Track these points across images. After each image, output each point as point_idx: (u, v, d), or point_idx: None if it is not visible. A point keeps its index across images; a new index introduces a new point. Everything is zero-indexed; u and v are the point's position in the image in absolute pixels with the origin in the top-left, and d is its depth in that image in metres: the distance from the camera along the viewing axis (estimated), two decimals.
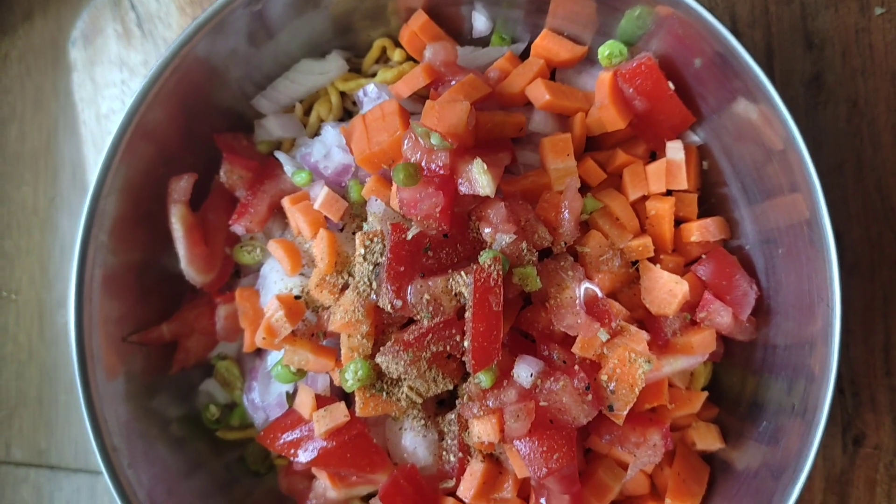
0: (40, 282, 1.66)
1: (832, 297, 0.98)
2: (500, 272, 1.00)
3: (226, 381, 1.27)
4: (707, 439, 1.13)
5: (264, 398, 1.24)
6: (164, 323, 1.23)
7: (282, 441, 1.15)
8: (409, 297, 1.02)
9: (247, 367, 1.27)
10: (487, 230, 1.04)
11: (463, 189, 1.02)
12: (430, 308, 1.01)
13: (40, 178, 1.68)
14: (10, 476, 1.65)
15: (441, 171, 1.02)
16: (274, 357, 1.22)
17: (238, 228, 1.19)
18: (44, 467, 1.65)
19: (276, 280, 1.19)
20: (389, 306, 1.03)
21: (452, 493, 1.13)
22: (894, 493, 1.23)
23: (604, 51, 1.13)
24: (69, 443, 1.63)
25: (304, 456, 1.13)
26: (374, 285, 1.06)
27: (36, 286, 1.66)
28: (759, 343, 1.12)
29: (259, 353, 1.25)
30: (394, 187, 1.07)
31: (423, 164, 1.03)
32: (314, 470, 1.18)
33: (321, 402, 1.11)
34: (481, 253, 1.02)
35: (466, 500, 1.09)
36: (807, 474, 0.97)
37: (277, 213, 1.22)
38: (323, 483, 1.18)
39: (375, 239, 1.07)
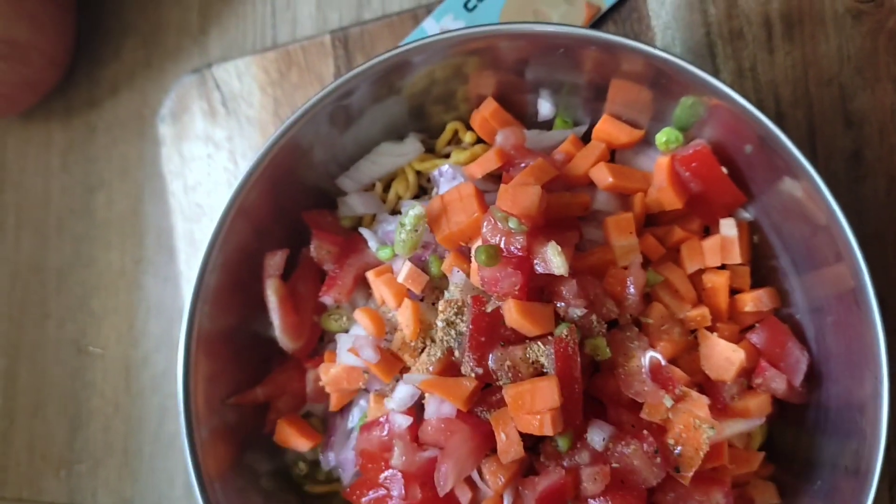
0: (126, 339, 1.77)
1: (879, 359, 1.06)
2: (576, 341, 1.10)
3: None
4: (765, 496, 1.20)
5: (339, 455, 1.34)
6: (258, 386, 1.34)
7: (368, 498, 1.24)
8: (490, 364, 1.12)
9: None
10: (561, 304, 1.14)
11: (539, 269, 1.13)
12: (510, 374, 1.12)
13: (127, 241, 1.80)
14: None
15: (519, 253, 1.13)
16: (356, 416, 1.33)
17: (327, 299, 1.30)
18: None
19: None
20: (471, 372, 1.13)
21: None
22: None
23: (661, 137, 1.23)
24: (153, 492, 1.73)
25: None
26: (457, 352, 1.16)
27: (122, 343, 1.77)
28: (811, 405, 1.20)
29: (342, 412, 1.36)
30: (473, 264, 1.17)
31: (501, 245, 1.14)
32: None
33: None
34: (558, 325, 1.12)
35: None
36: None
37: (361, 284, 1.33)
38: None
39: (457, 307, 1.17)
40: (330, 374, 1.27)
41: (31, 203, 1.85)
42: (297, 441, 1.30)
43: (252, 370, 1.37)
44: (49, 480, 1.77)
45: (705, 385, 1.19)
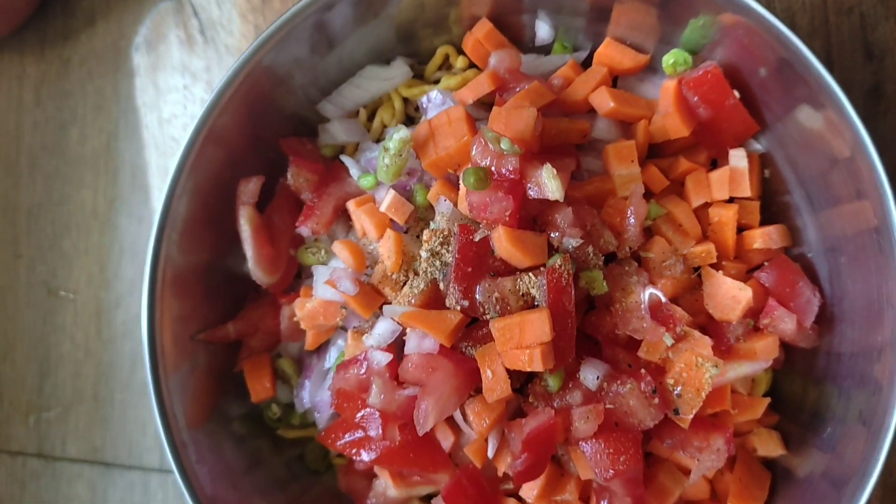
0: (98, 281, 1.69)
1: None
2: (570, 272, 1.02)
3: (284, 378, 1.29)
4: (768, 445, 1.13)
5: (314, 396, 1.26)
6: (230, 322, 1.26)
7: (343, 441, 1.17)
8: (477, 296, 1.04)
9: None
10: (555, 234, 1.06)
11: (532, 193, 1.04)
12: (498, 307, 1.03)
13: (100, 180, 1.71)
14: (66, 472, 1.68)
15: (511, 176, 1.04)
16: (333, 356, 1.25)
17: (304, 230, 1.22)
18: (98, 464, 1.68)
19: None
20: (456, 305, 1.05)
21: (514, 493, 1.15)
22: None
23: (668, 59, 1.14)
24: (123, 440, 1.66)
25: (366, 455, 1.15)
26: (442, 284, 1.08)
27: (94, 286, 1.69)
28: (821, 351, 1.13)
29: (318, 352, 1.28)
30: (462, 191, 1.09)
31: (492, 168, 1.05)
32: (376, 469, 1.20)
33: None
34: (551, 257, 1.04)
35: (529, 502, 1.10)
36: (874, 484, 0.97)
37: (341, 215, 1.24)
38: (384, 482, 1.20)
39: (443, 236, 1.09)
40: (305, 309, 1.18)
41: (2, 139, 1.76)
42: (258, 386, 1.23)
43: (225, 310, 1.29)
44: (17, 427, 1.70)
45: (708, 327, 1.11)
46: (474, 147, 1.07)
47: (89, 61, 1.74)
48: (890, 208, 0.98)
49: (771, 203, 1.19)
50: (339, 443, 1.17)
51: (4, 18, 1.67)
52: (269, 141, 1.28)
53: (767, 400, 1.13)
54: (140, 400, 1.64)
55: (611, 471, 1.01)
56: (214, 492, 1.16)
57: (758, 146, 1.17)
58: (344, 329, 1.22)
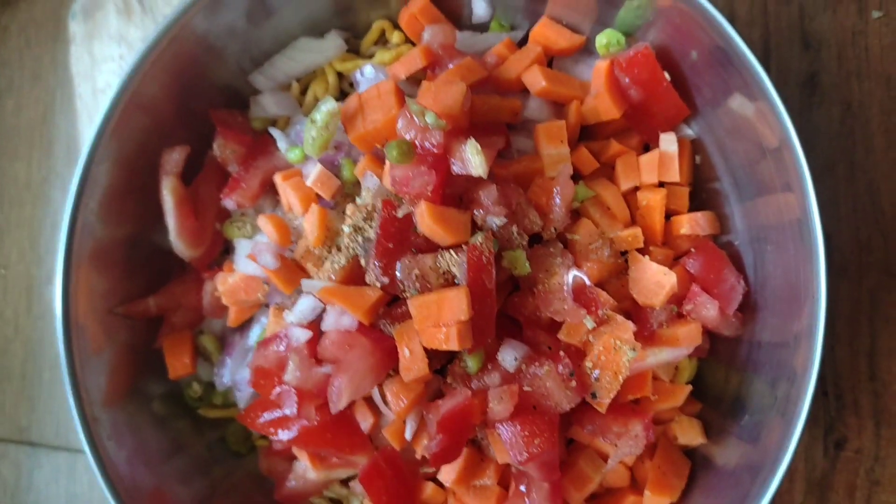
0: (30, 256, 1.65)
1: (818, 295, 0.98)
2: (492, 250, 1.00)
3: (206, 356, 1.26)
4: (689, 434, 1.12)
5: (234, 374, 1.24)
6: (150, 296, 1.22)
7: (263, 420, 1.14)
8: (397, 273, 1.01)
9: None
10: (479, 212, 1.04)
11: (455, 169, 1.02)
12: (418, 284, 1.01)
13: (35, 152, 1.67)
14: None
15: (434, 150, 1.02)
16: (255, 333, 1.22)
17: (229, 203, 1.19)
18: (24, 444, 1.64)
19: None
20: (376, 281, 1.02)
21: (433, 477, 1.13)
22: (874, 498, 1.23)
23: (601, 39, 1.13)
24: (51, 420, 1.62)
25: (284, 435, 1.12)
26: (363, 260, 1.05)
27: (25, 261, 1.65)
28: (744, 340, 1.12)
29: (241, 329, 1.25)
30: (387, 165, 1.06)
31: (416, 142, 1.03)
32: (295, 451, 1.18)
33: None
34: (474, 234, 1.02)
35: (447, 485, 1.08)
36: (783, 472, 0.96)
37: (269, 190, 1.22)
38: (303, 464, 1.18)
39: (366, 212, 1.07)
40: (227, 284, 1.15)
41: None
42: (177, 362, 1.20)
43: (150, 285, 1.26)
44: None
45: (633, 312, 1.10)
46: (400, 120, 1.04)
47: (28, 29, 1.69)
48: (811, 203, 0.98)
49: (701, 190, 1.19)
50: (258, 422, 1.14)
51: None
52: (199, 112, 1.25)
53: (689, 387, 1.13)
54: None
55: (525, 454, 0.99)
56: (132, 475, 1.14)
57: (689, 131, 1.16)
58: (267, 306, 1.19)
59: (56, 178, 1.66)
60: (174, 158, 1.18)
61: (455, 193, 1.07)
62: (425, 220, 1.00)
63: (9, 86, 1.69)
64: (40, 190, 1.67)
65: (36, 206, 1.66)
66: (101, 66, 1.53)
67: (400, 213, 1.03)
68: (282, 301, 1.16)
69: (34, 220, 1.66)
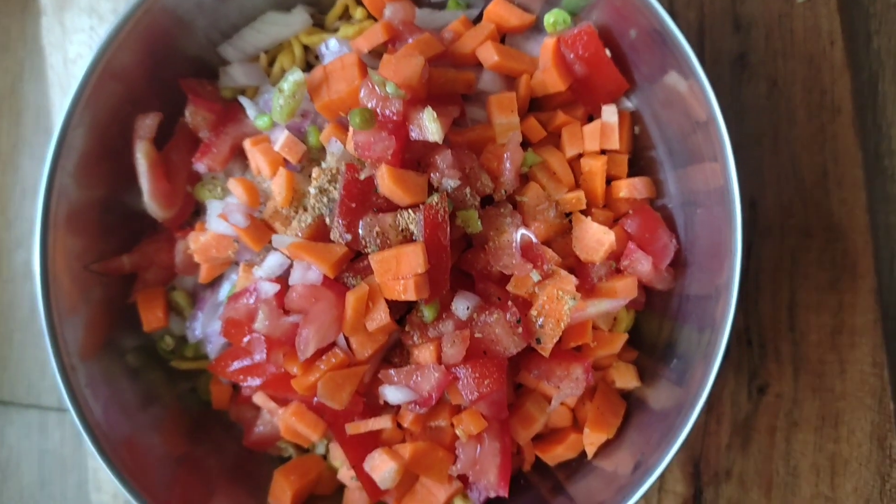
0: (0, 221, 1.69)
1: (735, 252, 1.08)
2: (447, 210, 1.09)
3: (178, 311, 1.33)
4: (625, 378, 1.23)
5: (206, 327, 1.31)
6: (124, 255, 1.29)
7: (232, 368, 1.22)
8: (360, 231, 1.10)
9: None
10: (435, 175, 1.13)
11: (413, 135, 1.11)
12: (379, 241, 1.10)
13: (3, 120, 1.71)
14: None
15: (394, 118, 1.10)
16: (226, 289, 1.29)
17: (200, 167, 1.26)
18: None
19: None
20: (340, 238, 1.11)
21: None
22: (792, 437, 1.36)
23: (549, 18, 1.22)
24: (22, 379, 1.67)
25: (252, 381, 1.20)
26: (328, 219, 1.14)
27: None
28: (675, 293, 1.23)
29: (212, 286, 1.32)
30: (350, 132, 1.15)
31: (378, 110, 1.11)
32: (259, 400, 1.25)
33: None
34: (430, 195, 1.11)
35: (405, 425, 1.18)
36: (702, 407, 1.06)
37: (238, 155, 1.29)
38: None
39: (331, 174, 1.15)
40: (199, 242, 1.23)
41: None
42: (151, 316, 1.27)
43: (122, 245, 1.32)
44: None
45: (576, 268, 1.20)
46: (362, 90, 1.12)
47: None
48: (731, 172, 1.07)
49: (639, 158, 1.29)
50: (228, 370, 1.22)
51: None
52: (171, 81, 1.31)
53: (625, 336, 1.23)
54: (39, 340, 1.65)
55: (476, 393, 1.09)
56: (109, 425, 1.20)
57: (629, 104, 1.26)
58: (237, 263, 1.27)
59: (25, 145, 1.70)
60: (147, 124, 1.24)
61: (413, 158, 1.16)
62: (385, 181, 1.09)
63: None
64: (9, 157, 1.70)
65: (5, 174, 1.70)
66: (71, 37, 1.57)
67: (362, 176, 1.12)
68: (251, 258, 1.23)
69: (3, 186, 1.69)
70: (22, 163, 1.69)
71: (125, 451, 1.20)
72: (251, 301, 1.17)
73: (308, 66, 1.35)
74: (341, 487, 1.30)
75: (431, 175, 1.13)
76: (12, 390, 1.67)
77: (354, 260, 1.15)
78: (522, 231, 1.15)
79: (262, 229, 1.20)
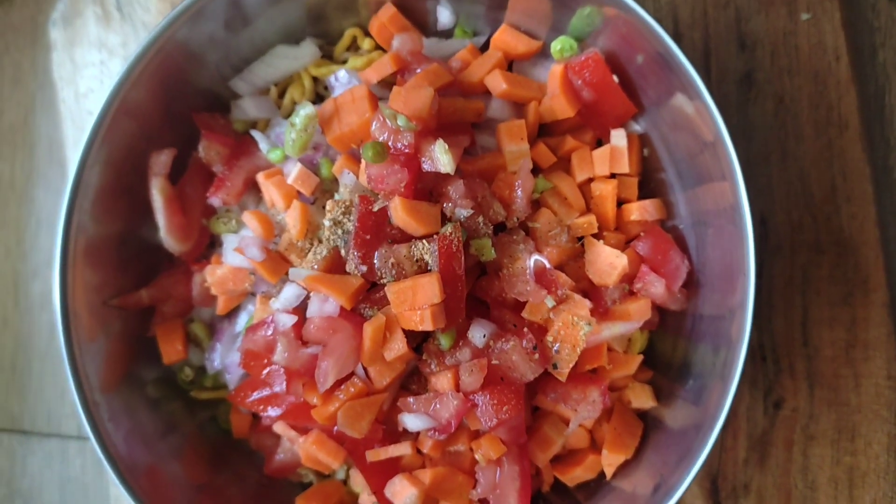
0: (16, 253, 1.71)
1: (748, 272, 1.09)
2: (460, 239, 1.10)
3: (196, 342, 1.35)
4: (641, 398, 1.24)
5: (224, 358, 1.32)
6: (143, 289, 1.30)
7: (252, 398, 1.24)
8: (375, 262, 1.11)
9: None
10: (448, 205, 1.14)
11: (426, 166, 1.12)
12: (394, 272, 1.11)
13: (17, 153, 1.73)
14: None
15: (406, 150, 1.12)
16: (243, 320, 1.31)
17: (215, 201, 1.27)
18: (16, 432, 1.70)
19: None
20: (356, 270, 1.12)
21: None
22: (809, 451, 1.37)
23: (556, 45, 1.24)
24: (42, 409, 1.69)
25: (273, 411, 1.22)
26: (343, 251, 1.15)
27: (11, 257, 1.71)
28: (688, 313, 1.24)
29: (229, 317, 1.34)
30: (362, 164, 1.16)
31: (389, 143, 1.13)
32: (279, 429, 1.27)
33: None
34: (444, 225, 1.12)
35: (424, 451, 1.19)
36: (721, 427, 1.07)
37: (252, 188, 1.30)
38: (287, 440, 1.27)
39: (345, 206, 1.16)
40: (216, 276, 1.24)
41: None
42: (170, 348, 1.28)
43: (140, 278, 1.34)
44: None
45: (589, 292, 1.21)
46: (374, 124, 1.14)
47: (6, 35, 1.75)
48: (741, 190, 1.08)
49: (649, 180, 1.30)
50: (248, 400, 1.23)
51: None
52: (183, 115, 1.32)
53: (640, 357, 1.25)
54: (58, 369, 1.68)
55: (494, 419, 1.10)
56: (130, 455, 1.21)
57: (637, 127, 1.28)
58: (253, 295, 1.28)
59: (39, 177, 1.72)
60: (162, 160, 1.26)
61: (426, 188, 1.17)
62: (399, 213, 1.11)
63: None
64: (24, 190, 1.73)
65: (20, 206, 1.72)
66: (82, 72, 1.59)
67: (376, 208, 1.13)
68: (267, 290, 1.25)
69: (19, 218, 1.72)
70: (36, 195, 1.72)
71: (147, 480, 1.21)
72: (269, 333, 1.18)
73: (318, 97, 1.36)
74: None
75: (444, 205, 1.15)
76: (33, 420, 1.70)
77: (370, 290, 1.16)
78: (536, 257, 1.16)
79: (277, 262, 1.21)
